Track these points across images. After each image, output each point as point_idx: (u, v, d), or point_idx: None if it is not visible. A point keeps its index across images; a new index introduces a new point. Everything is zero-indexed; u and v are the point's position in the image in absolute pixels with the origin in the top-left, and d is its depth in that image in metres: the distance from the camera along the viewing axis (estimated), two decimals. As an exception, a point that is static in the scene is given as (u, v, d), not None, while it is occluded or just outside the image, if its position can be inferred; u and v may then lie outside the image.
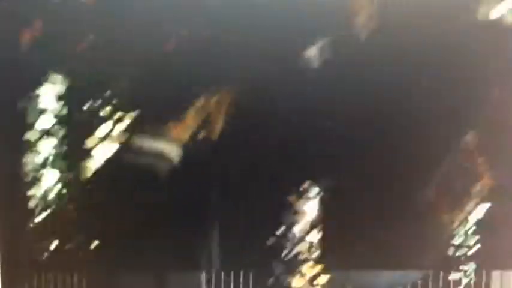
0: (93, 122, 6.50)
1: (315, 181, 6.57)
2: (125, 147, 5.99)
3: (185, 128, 5.57)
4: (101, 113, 6.36)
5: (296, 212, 6.48)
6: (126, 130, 6.15)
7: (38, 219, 6.86)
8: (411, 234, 6.35)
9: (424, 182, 6.31)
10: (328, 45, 6.46)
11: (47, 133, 6.82)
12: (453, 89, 6.04)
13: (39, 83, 6.82)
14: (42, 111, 6.93)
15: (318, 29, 6.28)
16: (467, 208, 6.14)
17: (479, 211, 6.42)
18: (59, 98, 6.89)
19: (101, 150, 6.47)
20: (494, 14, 6.11)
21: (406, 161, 6.31)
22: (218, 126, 5.77)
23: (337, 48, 6.41)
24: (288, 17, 6.06)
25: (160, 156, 5.87)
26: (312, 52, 6.35)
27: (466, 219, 6.22)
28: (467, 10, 6.10)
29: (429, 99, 6.04)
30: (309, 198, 6.58)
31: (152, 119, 5.93)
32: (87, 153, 6.62)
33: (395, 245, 6.40)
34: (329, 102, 6.27)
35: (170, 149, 5.80)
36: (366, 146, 6.45)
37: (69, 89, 6.75)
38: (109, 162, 6.40)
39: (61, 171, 6.99)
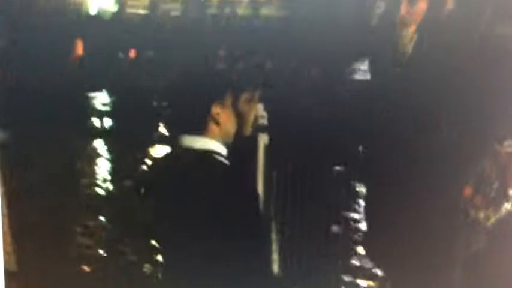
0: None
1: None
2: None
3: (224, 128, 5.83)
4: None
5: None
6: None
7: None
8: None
9: (462, 182, 6.60)
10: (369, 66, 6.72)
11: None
12: (493, 97, 6.29)
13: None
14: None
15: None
16: (504, 207, 6.42)
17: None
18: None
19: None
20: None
21: (445, 163, 6.62)
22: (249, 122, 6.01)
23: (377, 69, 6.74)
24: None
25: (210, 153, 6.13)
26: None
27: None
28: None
29: (467, 108, 6.29)
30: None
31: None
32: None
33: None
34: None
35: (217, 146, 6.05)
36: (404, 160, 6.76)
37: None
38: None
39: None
